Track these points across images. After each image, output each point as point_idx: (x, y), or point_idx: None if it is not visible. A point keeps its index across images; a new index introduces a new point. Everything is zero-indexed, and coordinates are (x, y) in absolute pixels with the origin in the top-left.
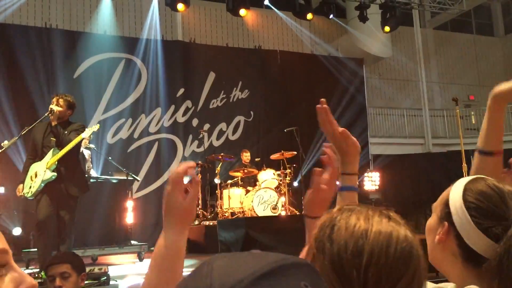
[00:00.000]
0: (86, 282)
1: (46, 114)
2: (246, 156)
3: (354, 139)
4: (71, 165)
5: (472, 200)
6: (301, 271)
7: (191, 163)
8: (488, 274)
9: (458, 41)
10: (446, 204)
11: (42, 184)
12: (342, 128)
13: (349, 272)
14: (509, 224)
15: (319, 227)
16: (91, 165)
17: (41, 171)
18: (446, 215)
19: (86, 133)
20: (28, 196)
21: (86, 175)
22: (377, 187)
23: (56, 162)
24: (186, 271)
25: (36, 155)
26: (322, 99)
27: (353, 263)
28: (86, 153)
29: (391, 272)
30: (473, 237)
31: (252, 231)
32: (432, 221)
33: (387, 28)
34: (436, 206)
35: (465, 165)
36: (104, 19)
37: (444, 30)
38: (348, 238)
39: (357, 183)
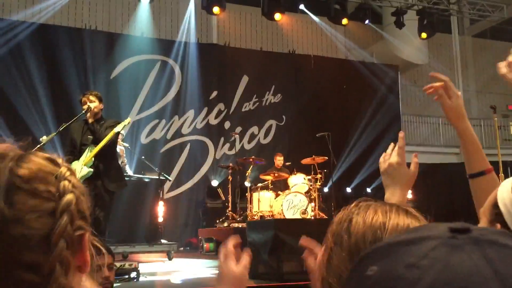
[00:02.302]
0: (117, 277)
1: (82, 112)
2: (279, 160)
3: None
4: (108, 160)
5: None
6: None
7: (238, 240)
8: None
9: (497, 49)
10: (495, 205)
11: (81, 181)
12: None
13: None
14: None
15: (336, 222)
16: (125, 161)
17: (79, 168)
18: (496, 216)
19: (119, 127)
20: None
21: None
22: (410, 197)
23: (93, 159)
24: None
25: (74, 154)
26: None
27: None
28: (119, 149)
29: None
30: None
31: (281, 233)
32: (482, 226)
33: (424, 35)
34: (484, 211)
35: (502, 175)
36: (142, 21)
37: (483, 38)
38: (366, 230)
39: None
